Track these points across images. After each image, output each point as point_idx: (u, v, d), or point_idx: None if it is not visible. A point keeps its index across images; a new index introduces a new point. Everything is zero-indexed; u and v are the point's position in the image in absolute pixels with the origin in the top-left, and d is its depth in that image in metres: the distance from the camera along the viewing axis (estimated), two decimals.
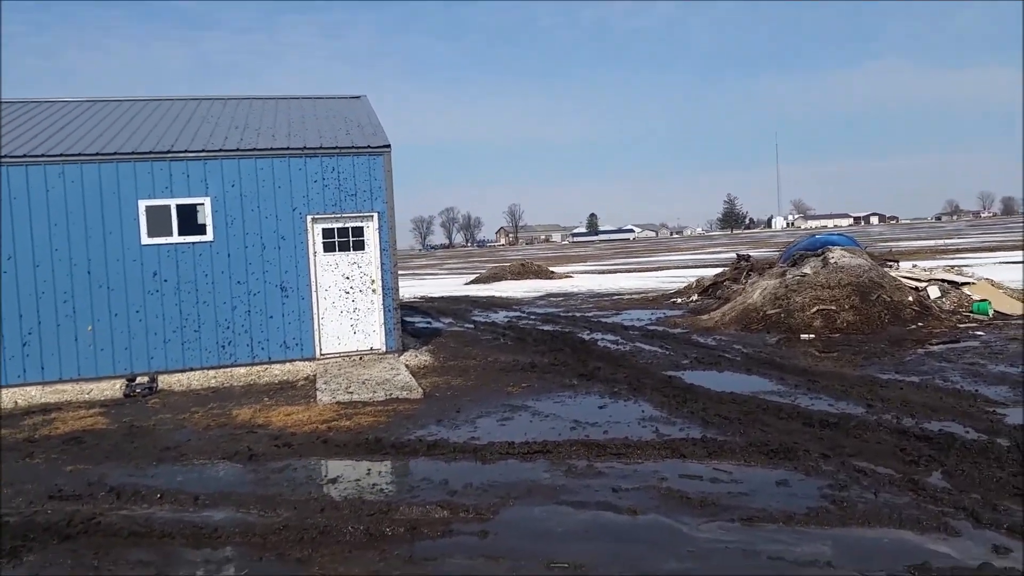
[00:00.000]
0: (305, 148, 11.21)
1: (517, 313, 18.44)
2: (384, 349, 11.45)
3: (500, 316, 17.96)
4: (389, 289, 11.48)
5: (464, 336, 14.45)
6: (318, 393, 9.20)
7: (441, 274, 44.93)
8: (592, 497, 5.34)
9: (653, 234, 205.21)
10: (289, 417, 8.37)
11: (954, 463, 5.65)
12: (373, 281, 11.46)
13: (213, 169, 10.96)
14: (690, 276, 24.94)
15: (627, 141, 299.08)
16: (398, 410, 8.43)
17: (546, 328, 14.99)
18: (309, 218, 11.16)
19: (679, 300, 18.93)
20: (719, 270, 21.01)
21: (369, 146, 11.43)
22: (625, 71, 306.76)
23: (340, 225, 11.38)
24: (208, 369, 10.84)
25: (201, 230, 10.95)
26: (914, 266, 17.05)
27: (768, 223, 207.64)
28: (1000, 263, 26.56)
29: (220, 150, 11.05)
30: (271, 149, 11.15)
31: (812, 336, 12.01)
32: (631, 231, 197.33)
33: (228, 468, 6.63)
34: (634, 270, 37.27)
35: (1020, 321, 12.54)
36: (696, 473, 5.79)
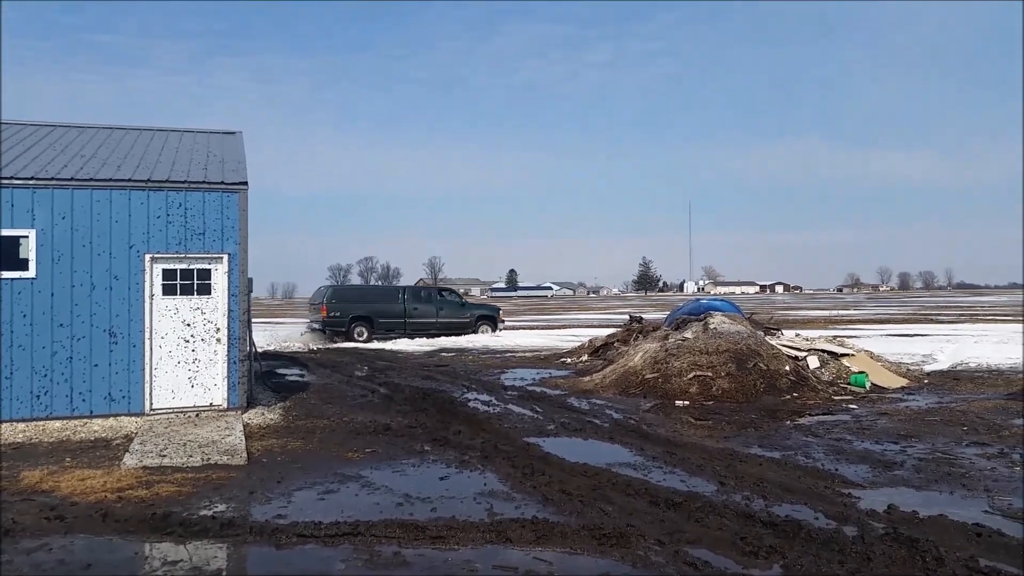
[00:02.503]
0: (149, 181, 10.25)
1: (399, 368, 17.54)
2: (225, 405, 10.40)
3: (380, 371, 17.02)
4: (236, 339, 10.49)
5: (332, 391, 13.47)
6: (126, 455, 8.10)
7: None
8: None
9: (571, 292, 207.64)
10: (82, 483, 7.25)
11: (796, 555, 5.12)
12: (218, 329, 10.45)
13: (42, 199, 9.86)
14: (591, 335, 24.61)
15: (552, 200, 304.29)
16: (210, 478, 7.42)
17: (422, 385, 14.16)
18: (148, 257, 10.13)
19: (569, 360, 18.46)
20: (615, 330, 20.72)
21: (223, 182, 10.55)
22: (553, 132, 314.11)
23: (184, 266, 10.39)
24: (17, 422, 9.54)
25: (22, 265, 9.77)
26: (797, 335, 17.09)
27: (680, 287, 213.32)
28: (887, 335, 27.36)
29: (53, 179, 9.97)
30: (111, 180, 10.14)
31: (687, 403, 11.60)
32: (549, 288, 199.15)
33: None
34: (539, 327, 36.89)
35: (895, 394, 12.49)
36: (513, 563, 5.07)
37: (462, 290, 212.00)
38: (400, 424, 10.14)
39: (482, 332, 28.37)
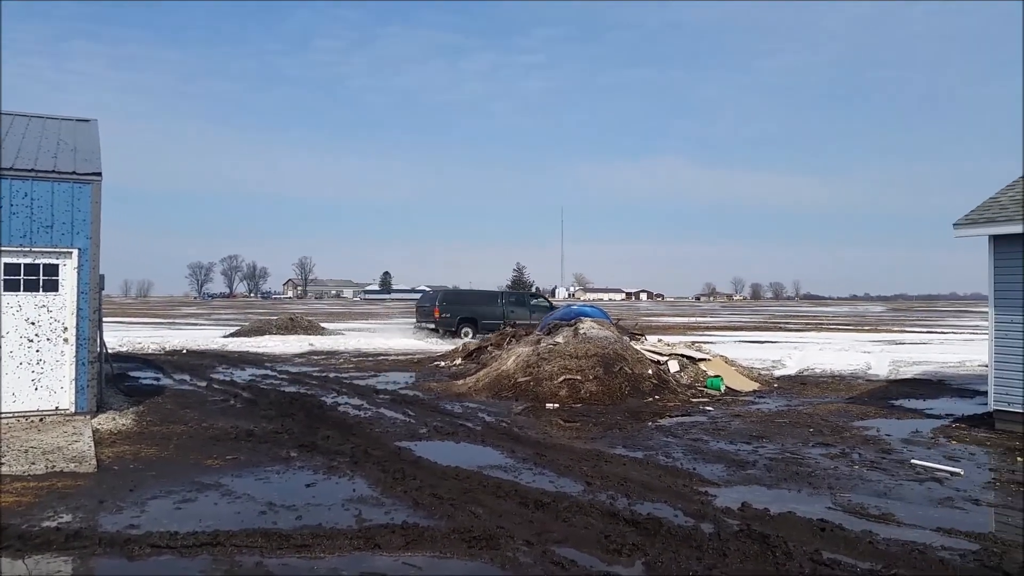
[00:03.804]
0: None
1: (265, 371, 16.94)
2: (73, 410, 9.67)
3: (245, 374, 16.37)
4: (85, 339, 9.78)
5: (190, 396, 12.81)
6: None
7: (204, 325, 41.41)
8: None
9: None
10: None
11: (657, 552, 5.32)
12: (66, 329, 9.71)
13: None
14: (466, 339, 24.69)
15: (429, 204, 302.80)
16: (56, 487, 6.88)
17: (289, 390, 13.73)
18: None
19: (443, 363, 18.42)
20: (490, 334, 20.86)
21: (75, 172, 9.83)
22: (432, 136, 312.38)
23: (29, 261, 9.59)
24: None
25: None
26: (659, 340, 17.85)
27: (552, 292, 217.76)
28: (740, 342, 29.04)
29: None
30: None
31: (557, 405, 11.85)
32: (424, 291, 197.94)
33: None
34: (413, 329, 36.59)
35: (747, 397, 13.27)
36: (381, 569, 5.01)
37: (333, 292, 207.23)
38: (265, 430, 9.78)
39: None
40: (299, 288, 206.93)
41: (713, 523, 5.96)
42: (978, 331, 34.94)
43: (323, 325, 32.77)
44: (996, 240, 9.87)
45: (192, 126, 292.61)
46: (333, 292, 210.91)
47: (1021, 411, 9.61)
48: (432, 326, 29.10)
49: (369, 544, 5.50)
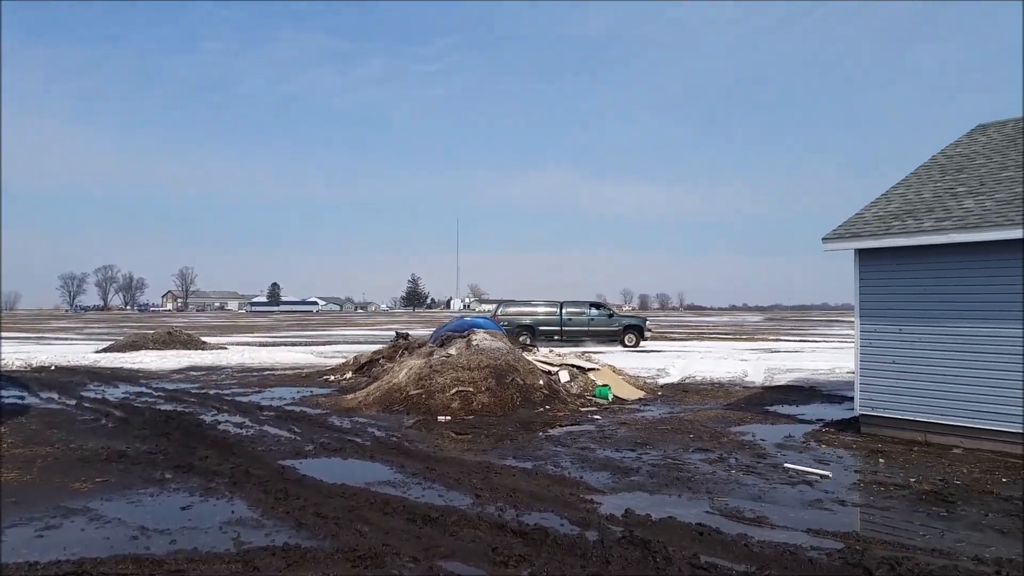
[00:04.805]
0: None
1: (140, 389, 16.05)
2: None
3: (118, 392, 15.46)
4: None
5: (57, 415, 11.98)
6: None
7: (76, 339, 38.86)
8: None
9: (338, 308, 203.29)
10: None
11: (543, 562, 5.37)
12: None
13: None
14: (356, 351, 24.21)
15: (321, 213, 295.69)
16: None
17: (166, 408, 13.06)
18: None
19: (332, 378, 18.00)
20: (381, 347, 20.56)
21: None
22: (325, 143, 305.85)
23: None
24: None
25: None
26: (551, 351, 18.13)
27: (448, 304, 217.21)
28: (627, 351, 29.84)
29: None
30: None
31: (449, 418, 11.81)
32: (315, 303, 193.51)
33: None
34: (302, 343, 35.68)
35: (634, 405, 13.64)
36: None
37: (217, 304, 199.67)
38: (138, 450, 9.27)
39: (628, 342, 32.19)
40: (179, 300, 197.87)
41: (598, 531, 6.07)
42: (847, 340, 37.29)
43: (204, 339, 31.40)
44: (861, 254, 10.56)
45: (64, 127, 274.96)
46: (217, 304, 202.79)
47: (884, 415, 10.30)
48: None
49: (248, 567, 5.29)
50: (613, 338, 32.38)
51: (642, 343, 32.45)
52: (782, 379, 18.52)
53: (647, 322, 34.19)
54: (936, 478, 7.99)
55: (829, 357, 26.15)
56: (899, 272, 10.22)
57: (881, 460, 8.98)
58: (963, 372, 9.51)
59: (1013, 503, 7.01)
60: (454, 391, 12.51)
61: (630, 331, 32.73)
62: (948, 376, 9.64)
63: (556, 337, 32.03)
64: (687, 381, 17.95)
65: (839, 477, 8.16)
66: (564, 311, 32.62)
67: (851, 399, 11.47)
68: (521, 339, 29.55)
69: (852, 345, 10.99)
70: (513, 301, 35.40)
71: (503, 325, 30.08)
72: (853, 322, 10.80)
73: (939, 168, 11.90)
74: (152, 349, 26.55)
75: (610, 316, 33.32)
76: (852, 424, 11.05)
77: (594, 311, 33.32)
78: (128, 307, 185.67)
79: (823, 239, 10.83)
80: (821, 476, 8.13)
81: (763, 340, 39.45)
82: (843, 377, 18.30)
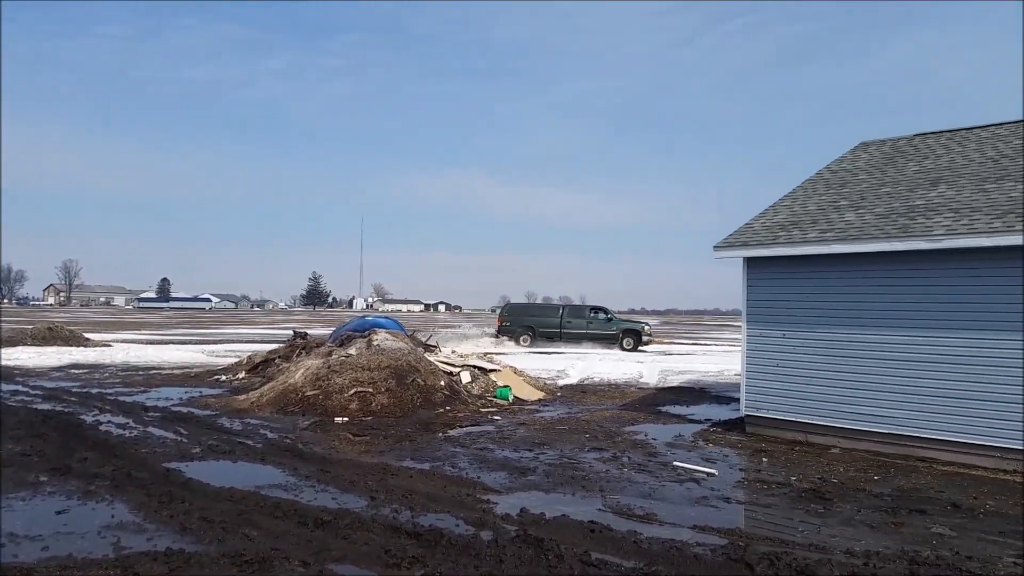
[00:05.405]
0: None
1: (16, 387, 15.03)
2: None
3: None
4: None
5: None
6: None
7: None
8: None
9: (233, 305, 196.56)
10: None
11: (437, 563, 5.36)
12: None
13: None
14: (251, 351, 23.42)
15: (216, 206, 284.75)
16: None
17: (43, 407, 12.28)
18: None
19: (224, 378, 17.37)
20: (277, 346, 19.99)
21: None
22: (222, 135, 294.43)
23: None
24: None
25: None
26: (453, 352, 18.11)
27: (350, 303, 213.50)
28: (529, 352, 30.13)
29: None
30: None
31: (347, 419, 11.60)
32: (208, 300, 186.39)
33: None
34: (193, 341, 34.27)
35: (533, 406, 13.79)
36: None
37: (103, 299, 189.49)
38: (11, 452, 8.69)
39: (626, 345, 32.72)
40: (62, 295, 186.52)
41: (492, 530, 6.11)
42: (736, 343, 38.87)
43: (88, 336, 29.68)
44: (749, 262, 11.05)
45: None
46: (103, 299, 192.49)
47: (768, 416, 10.81)
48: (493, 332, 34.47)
49: (127, 573, 5.06)
50: (611, 341, 32.92)
51: (640, 348, 32.77)
52: (675, 380, 19.15)
53: (646, 327, 34.45)
54: (815, 476, 8.44)
55: (719, 360, 27.21)
56: (784, 280, 10.75)
57: (764, 459, 9.41)
58: (839, 375, 10.10)
59: (883, 499, 7.49)
60: (353, 392, 12.31)
61: (628, 335, 33.16)
62: (826, 379, 10.21)
63: (556, 339, 33.32)
64: (586, 382, 18.29)
65: (725, 475, 8.50)
66: (564, 314, 34.03)
67: (738, 400, 11.96)
68: (522, 339, 33.04)
69: (739, 349, 11.46)
70: (519, 304, 37.25)
71: (506, 325, 33.75)
72: (741, 327, 11.28)
73: (824, 182, 12.59)
74: (30, 345, 24.89)
75: (609, 320, 33.80)
76: (738, 424, 11.54)
77: (593, 315, 34.06)
78: (6, 300, 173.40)
79: (714, 247, 11.26)
80: (708, 474, 8.45)
81: (657, 343, 40.62)
82: (731, 379, 19.09)
